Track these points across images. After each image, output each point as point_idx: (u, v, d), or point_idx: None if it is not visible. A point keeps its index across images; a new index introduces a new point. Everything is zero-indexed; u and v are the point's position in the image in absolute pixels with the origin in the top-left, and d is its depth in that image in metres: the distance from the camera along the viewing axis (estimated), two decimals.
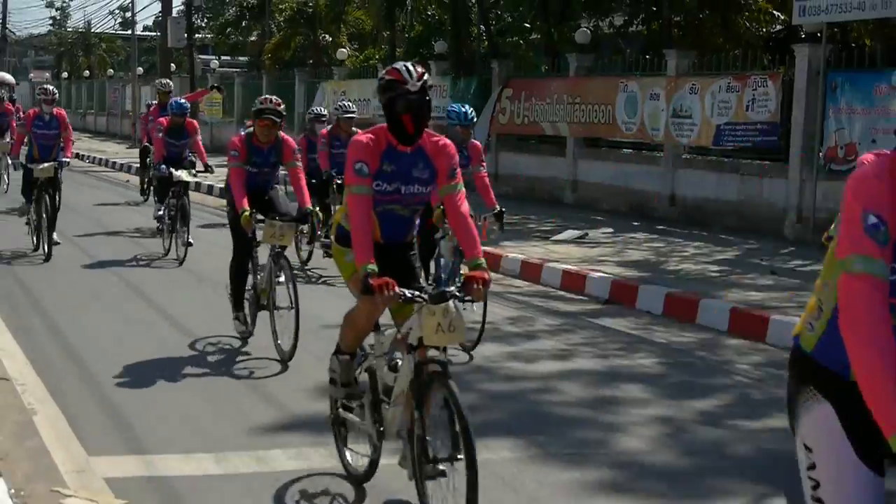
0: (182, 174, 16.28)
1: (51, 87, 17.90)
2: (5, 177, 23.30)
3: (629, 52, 26.86)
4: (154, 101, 22.91)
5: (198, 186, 23.56)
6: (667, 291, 13.36)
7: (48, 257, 15.49)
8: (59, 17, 79.74)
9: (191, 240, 16.02)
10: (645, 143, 23.77)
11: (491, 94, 27.79)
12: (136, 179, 27.82)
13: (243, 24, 52.19)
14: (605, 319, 12.60)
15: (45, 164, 15.95)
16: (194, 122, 17.56)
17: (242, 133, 10.87)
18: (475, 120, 11.62)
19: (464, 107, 11.79)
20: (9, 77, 62.01)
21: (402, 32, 41.61)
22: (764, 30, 26.90)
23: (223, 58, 55.62)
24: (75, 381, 9.17)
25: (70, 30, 79.03)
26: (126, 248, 17.07)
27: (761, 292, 13.65)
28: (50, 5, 78.86)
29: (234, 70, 50.10)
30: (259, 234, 10.34)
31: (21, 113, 26.22)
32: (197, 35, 47.47)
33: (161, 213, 17.01)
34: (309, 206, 10.42)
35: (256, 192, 10.42)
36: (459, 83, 29.39)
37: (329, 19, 43.61)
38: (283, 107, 10.47)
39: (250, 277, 10.69)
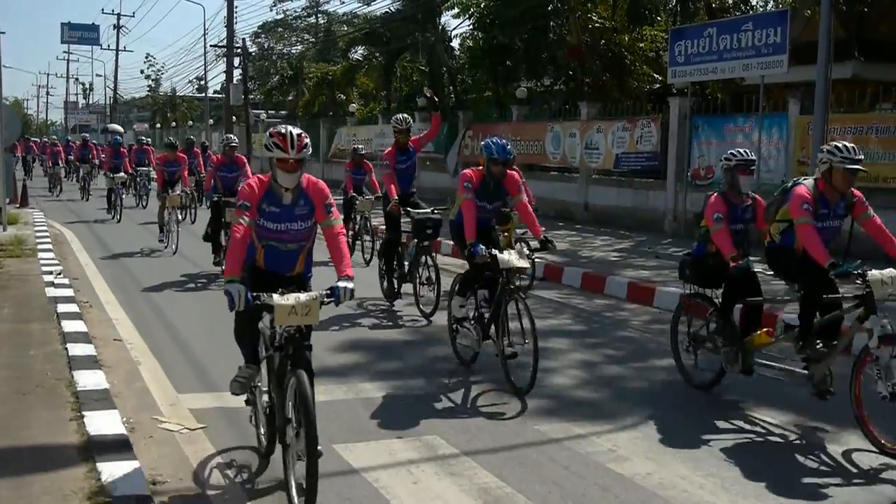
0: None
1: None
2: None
3: (554, 103, 26.81)
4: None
5: None
6: (583, 271, 13.36)
7: None
8: (153, 85, 79.28)
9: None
10: (566, 167, 23.78)
11: (458, 135, 27.81)
12: None
13: (283, 87, 52.07)
14: (541, 291, 12.58)
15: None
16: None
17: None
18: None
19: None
20: (118, 128, 61.95)
21: (395, 92, 41.57)
22: (647, 87, 26.92)
23: (269, 111, 55.40)
24: (168, 340, 9.12)
25: (161, 93, 78.63)
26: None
27: (649, 271, 13.67)
28: (147, 77, 78.41)
29: (277, 120, 49.80)
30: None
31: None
32: (250, 96, 47.15)
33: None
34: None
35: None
36: None
37: (344, 83, 43.49)
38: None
39: None
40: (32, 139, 49.22)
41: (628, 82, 26.48)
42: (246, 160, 16.01)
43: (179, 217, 16.55)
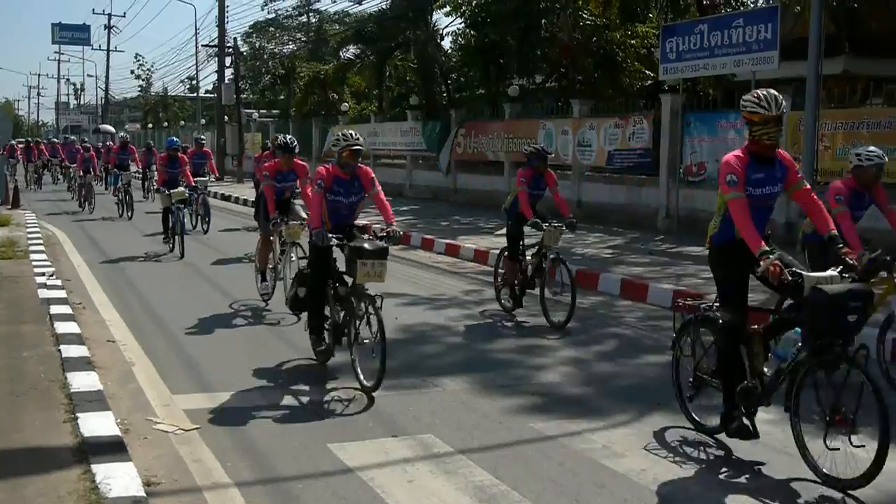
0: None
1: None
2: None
3: (546, 101, 26.81)
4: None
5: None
6: (576, 268, 13.31)
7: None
8: (144, 85, 79.18)
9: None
10: (559, 164, 23.77)
11: (450, 133, 27.80)
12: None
13: (275, 87, 52.02)
14: (535, 288, 12.58)
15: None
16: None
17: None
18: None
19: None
20: (110, 128, 61.87)
21: (387, 91, 41.53)
22: (640, 84, 26.92)
23: (261, 111, 55.33)
24: (162, 341, 9.11)
25: (152, 94, 78.52)
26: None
27: (642, 267, 13.69)
28: (138, 77, 78.30)
29: (269, 119, 49.79)
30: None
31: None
32: (242, 95, 47.05)
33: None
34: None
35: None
36: (428, 125, 29.32)
37: (335, 82, 43.39)
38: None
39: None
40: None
41: (620, 79, 26.46)
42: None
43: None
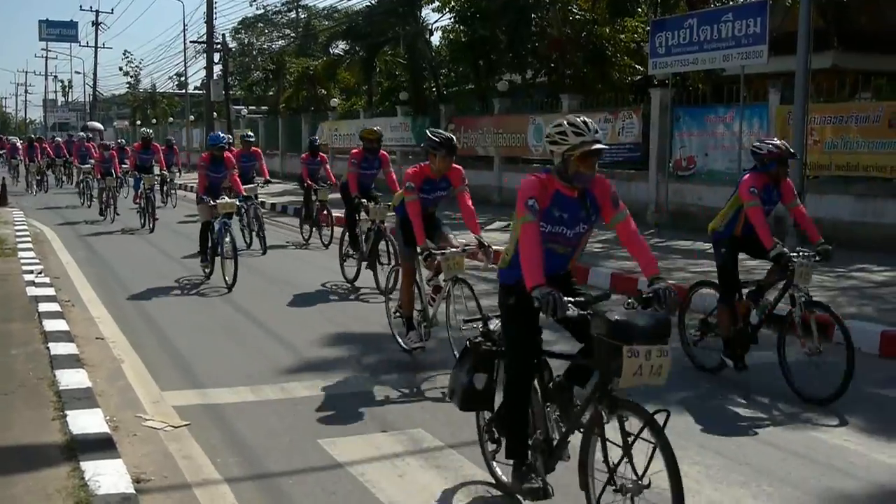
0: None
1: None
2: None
3: (536, 96, 26.83)
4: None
5: None
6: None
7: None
8: (132, 82, 78.96)
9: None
10: (548, 160, 23.72)
11: (440, 128, 27.78)
12: None
13: (264, 83, 51.94)
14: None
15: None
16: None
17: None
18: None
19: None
20: (98, 125, 61.67)
21: (377, 86, 41.49)
22: (629, 79, 26.91)
23: (250, 107, 55.24)
24: (151, 337, 9.10)
25: (141, 90, 78.30)
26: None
27: (631, 262, 13.66)
28: (126, 74, 78.09)
29: (259, 115, 49.74)
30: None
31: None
32: (231, 91, 46.98)
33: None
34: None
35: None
36: (418, 121, 29.31)
37: (325, 78, 43.37)
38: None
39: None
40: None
41: (610, 74, 26.46)
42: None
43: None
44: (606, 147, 4.71)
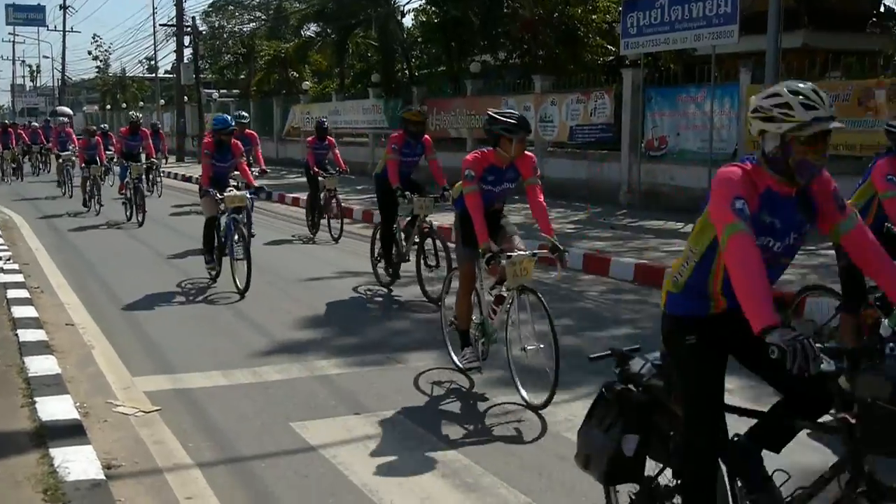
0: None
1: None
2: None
3: (508, 77, 26.81)
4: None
5: None
6: (538, 243, 13.37)
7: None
8: (102, 66, 78.14)
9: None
10: (482, 139, 23.78)
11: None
12: None
13: (235, 66, 51.59)
14: None
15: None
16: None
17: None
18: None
19: None
20: (67, 110, 61.03)
21: (349, 69, 41.32)
22: (601, 59, 26.96)
23: (221, 91, 54.86)
24: (121, 323, 9.03)
25: (111, 75, 77.53)
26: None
27: (604, 242, 13.74)
28: (95, 58, 77.28)
29: (230, 99, 49.37)
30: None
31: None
32: (202, 75, 46.56)
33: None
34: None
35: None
36: (390, 103, 29.20)
37: (296, 61, 43.16)
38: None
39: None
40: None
41: (582, 55, 26.50)
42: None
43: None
44: (843, 125, 3.53)
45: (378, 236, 10.83)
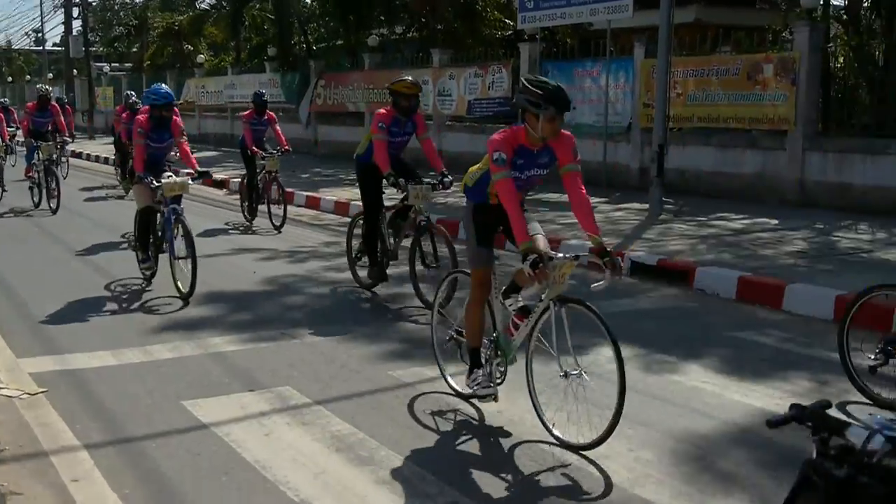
0: None
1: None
2: None
3: (406, 51, 26.73)
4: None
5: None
6: (437, 217, 13.42)
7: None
8: None
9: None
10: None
11: (310, 85, 27.46)
12: None
13: (127, 38, 50.25)
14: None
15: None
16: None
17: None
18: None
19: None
20: None
21: (245, 42, 40.65)
22: (499, 33, 27.06)
23: (113, 64, 53.33)
24: (4, 304, 8.75)
25: None
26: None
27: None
28: None
29: (122, 73, 48.06)
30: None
31: None
32: (92, 48, 45.26)
33: None
34: None
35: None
36: (287, 77, 28.89)
37: (191, 34, 42.28)
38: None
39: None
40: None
41: (480, 29, 26.57)
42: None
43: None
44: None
45: (362, 231, 9.17)
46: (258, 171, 13.57)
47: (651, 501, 4.45)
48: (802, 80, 14.63)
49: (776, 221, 12.82)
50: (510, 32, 26.10)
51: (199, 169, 9.34)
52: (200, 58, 38.47)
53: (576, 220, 5.48)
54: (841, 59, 17.64)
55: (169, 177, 9.09)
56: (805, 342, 7.38)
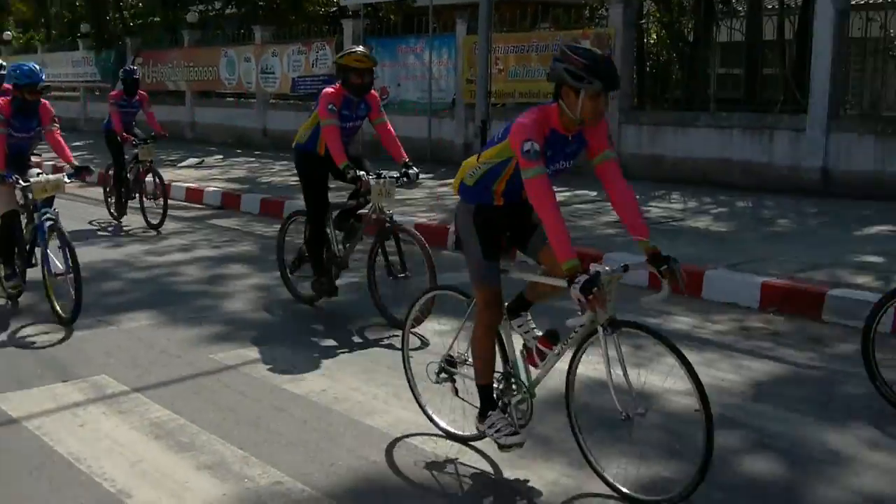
0: None
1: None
2: None
3: (228, 28, 26.18)
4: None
5: None
6: (262, 197, 13.28)
7: None
8: None
9: None
10: (242, 93, 23.40)
11: (126, 63, 26.52)
12: None
13: None
14: (219, 220, 12.39)
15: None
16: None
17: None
18: None
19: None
20: None
21: (57, 19, 38.81)
22: (322, 10, 26.84)
23: None
24: None
25: None
26: None
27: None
28: None
29: None
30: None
31: None
32: None
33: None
34: None
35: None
36: (102, 55, 27.88)
37: None
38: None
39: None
40: None
41: (303, 5, 26.27)
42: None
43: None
44: None
45: (304, 235, 7.81)
46: (129, 160, 12.05)
47: None
48: (617, 55, 15.14)
49: (594, 193, 13.23)
50: (334, 9, 25.92)
51: (75, 163, 7.67)
52: (7, 35, 36.55)
53: (575, 220, 5.29)
54: (654, 36, 18.36)
55: (38, 174, 7.60)
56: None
